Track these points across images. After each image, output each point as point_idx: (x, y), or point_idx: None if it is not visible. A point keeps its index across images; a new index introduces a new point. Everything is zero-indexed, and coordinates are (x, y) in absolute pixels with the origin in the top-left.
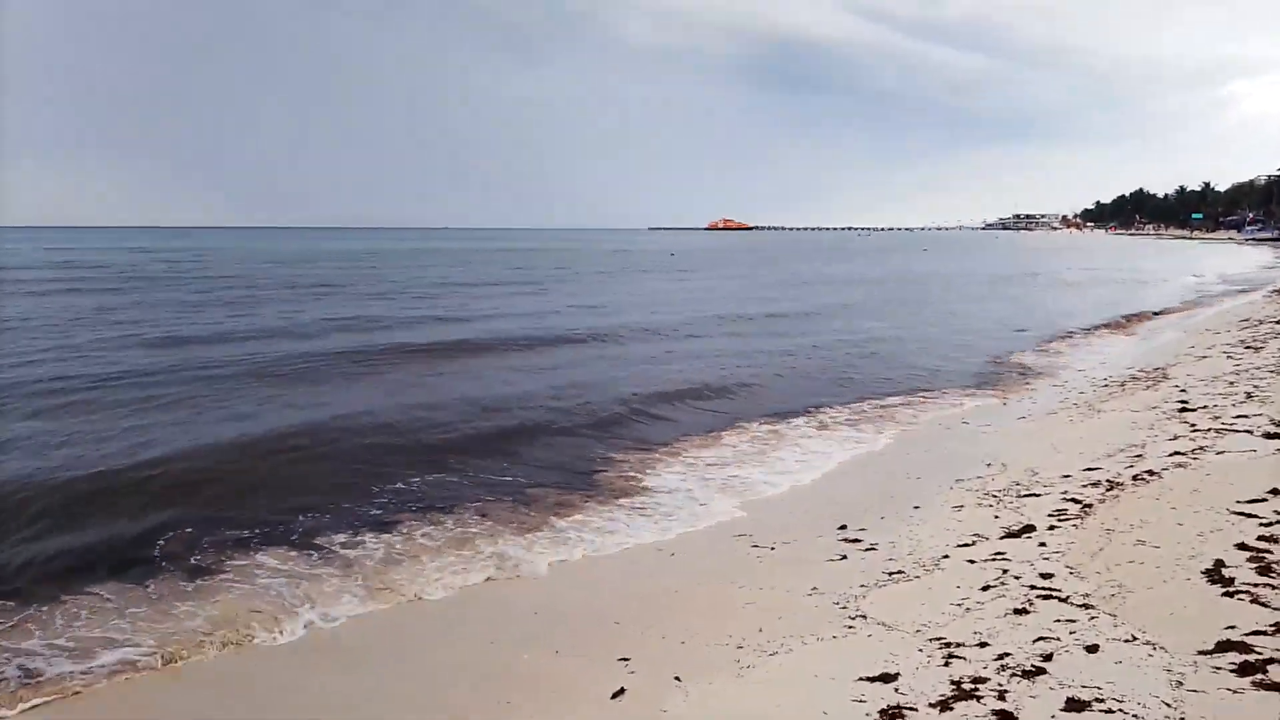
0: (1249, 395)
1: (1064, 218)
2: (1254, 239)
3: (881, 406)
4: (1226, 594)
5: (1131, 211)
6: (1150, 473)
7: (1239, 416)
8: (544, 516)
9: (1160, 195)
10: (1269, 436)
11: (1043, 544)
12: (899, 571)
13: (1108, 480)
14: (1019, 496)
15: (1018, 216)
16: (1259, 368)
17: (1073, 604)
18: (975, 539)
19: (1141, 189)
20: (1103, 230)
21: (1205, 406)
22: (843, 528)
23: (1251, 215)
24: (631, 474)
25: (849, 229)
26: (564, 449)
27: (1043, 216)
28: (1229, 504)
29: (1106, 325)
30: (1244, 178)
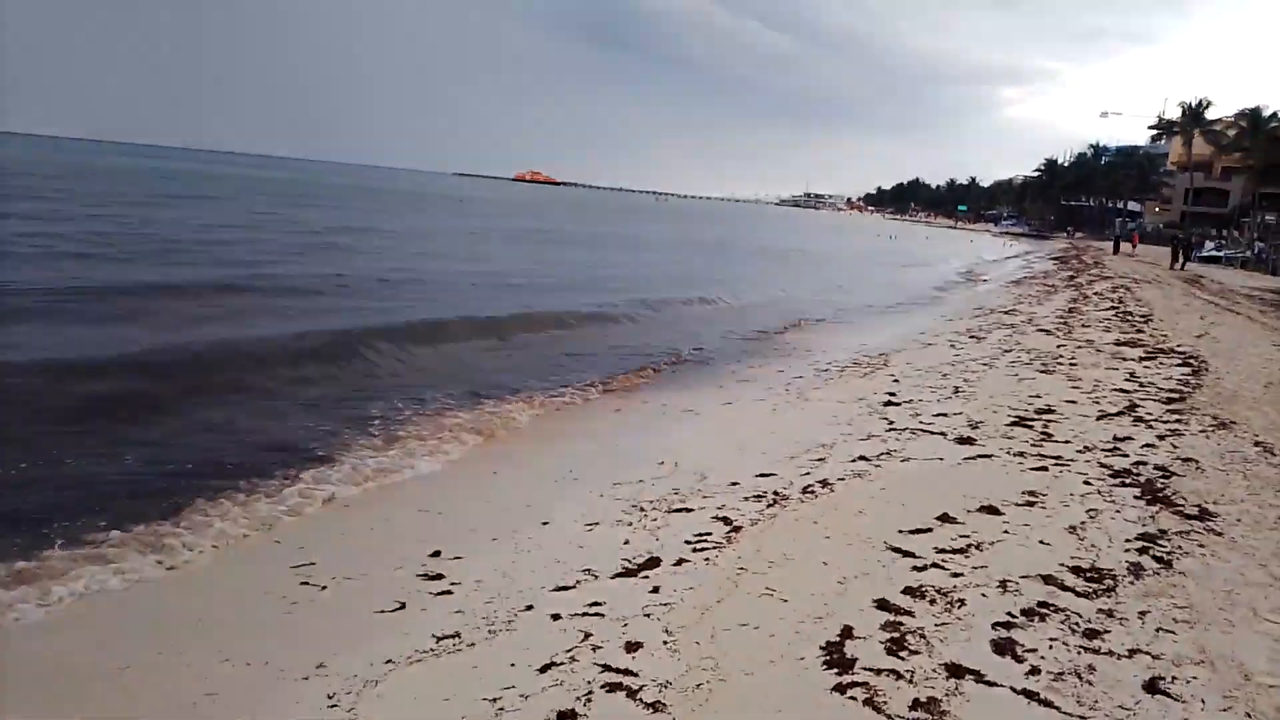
0: (956, 390)
1: (849, 200)
2: (1007, 232)
3: (603, 383)
4: (838, 688)
5: (908, 198)
6: (824, 483)
7: (939, 415)
8: None
9: (933, 185)
10: (960, 441)
11: (656, 589)
12: (449, 636)
13: (774, 492)
14: (668, 511)
15: (809, 195)
16: (975, 359)
17: (642, 702)
18: (583, 578)
19: (918, 178)
20: (880, 214)
21: (910, 401)
22: (435, 554)
23: (1007, 211)
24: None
25: (656, 194)
26: None
27: (830, 197)
28: (892, 531)
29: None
30: (1004, 175)
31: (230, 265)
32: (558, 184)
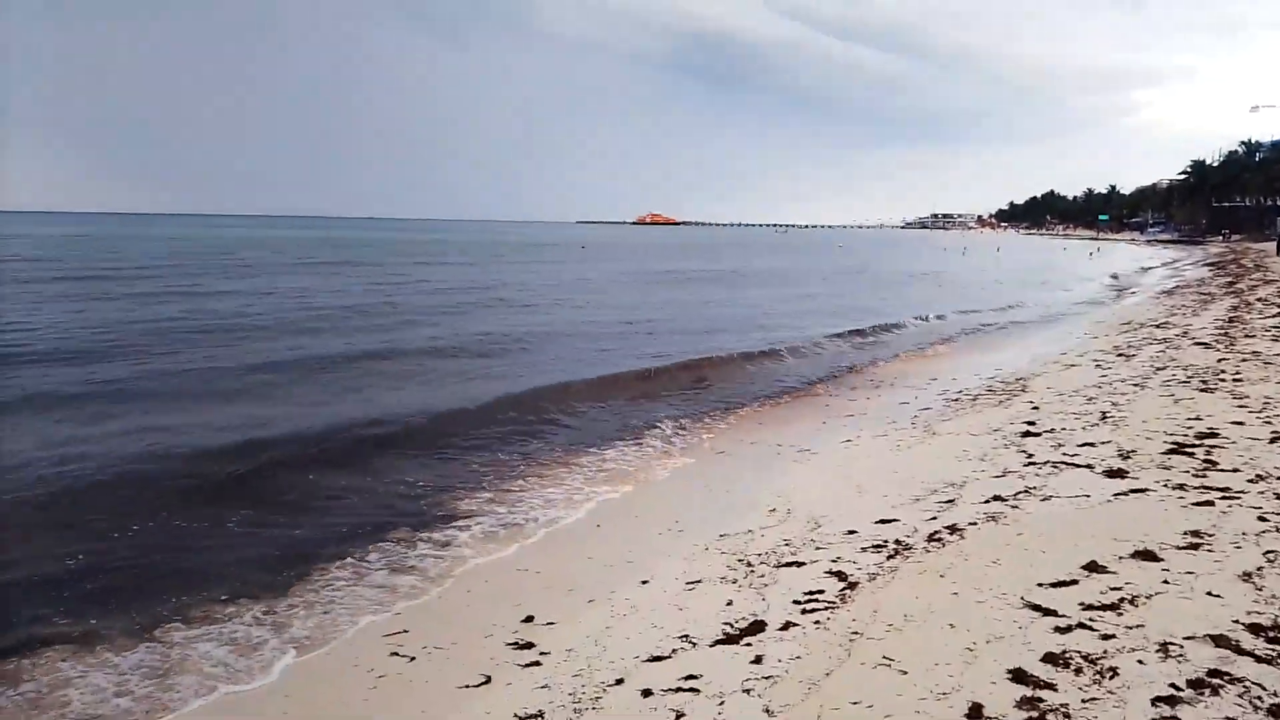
0: (1104, 416)
1: (979, 217)
2: (1155, 240)
3: (698, 419)
4: None
5: (1043, 211)
6: (952, 529)
7: (1085, 445)
8: None
9: (1070, 197)
10: (1110, 475)
11: (759, 658)
12: (532, 716)
13: (895, 541)
14: (776, 566)
15: (936, 216)
16: (1125, 380)
17: None
18: (679, 645)
19: (1053, 190)
20: (1015, 230)
21: (1052, 430)
22: (528, 619)
23: (1152, 218)
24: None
25: (776, 226)
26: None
27: (959, 216)
28: (1030, 585)
29: (992, 326)
30: (1146, 181)
31: (398, 330)
32: (677, 224)
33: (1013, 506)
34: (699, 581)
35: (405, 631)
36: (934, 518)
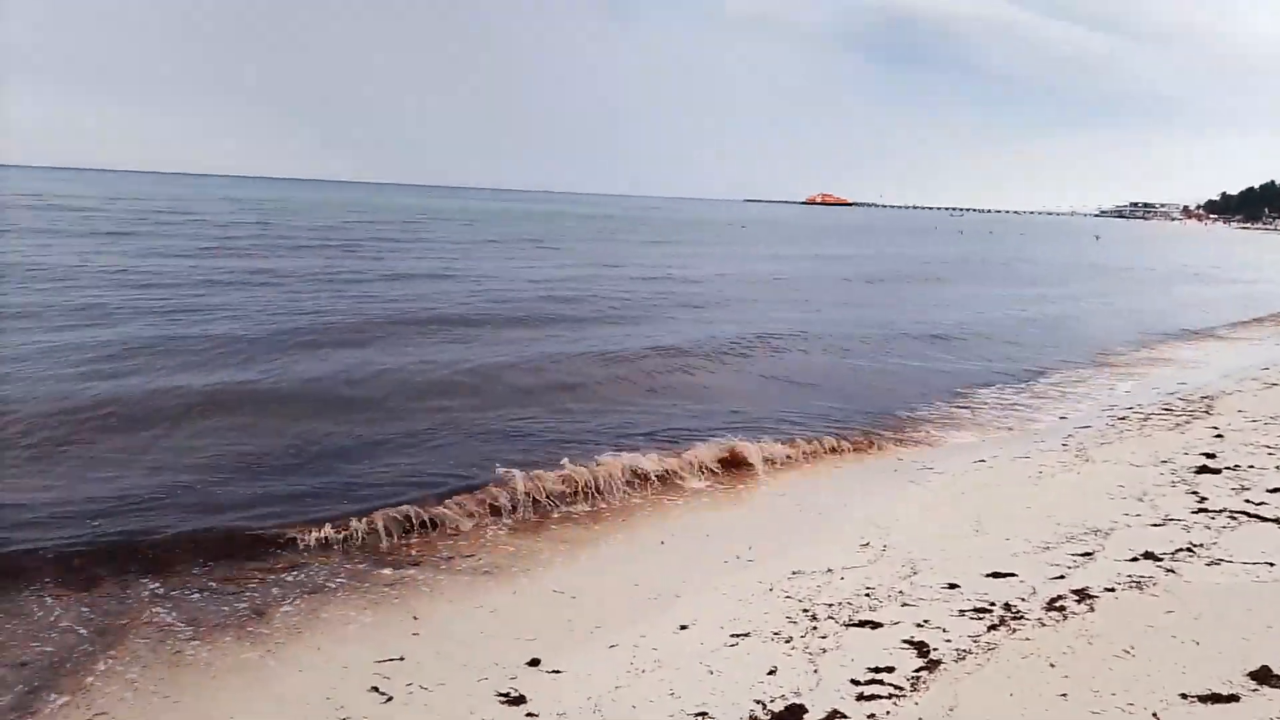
0: None
1: (1185, 208)
2: None
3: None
4: None
5: (1260, 204)
6: (1081, 596)
7: (1275, 490)
8: None
9: None
10: None
11: None
12: None
13: (1005, 605)
14: (846, 624)
15: (1134, 205)
16: None
17: None
18: None
19: (1274, 181)
20: (1227, 224)
21: (1236, 467)
22: (534, 663)
23: None
24: None
25: (951, 210)
26: None
27: (1162, 206)
28: (1170, 696)
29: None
30: None
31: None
32: (849, 204)
33: (1167, 570)
34: (746, 635)
35: (400, 659)
36: (1061, 576)
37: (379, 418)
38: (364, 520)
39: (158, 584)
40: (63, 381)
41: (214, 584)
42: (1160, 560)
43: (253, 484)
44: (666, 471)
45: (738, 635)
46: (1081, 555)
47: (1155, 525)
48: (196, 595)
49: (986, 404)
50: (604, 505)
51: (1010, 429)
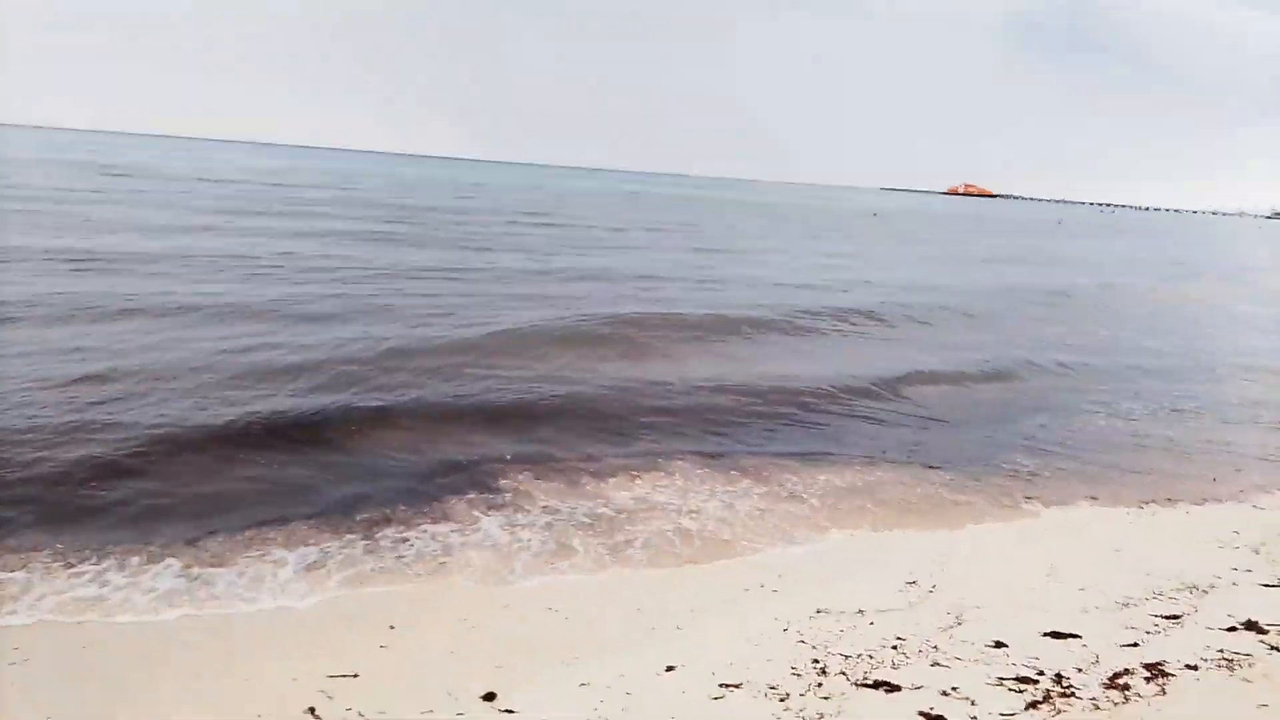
0: None
1: None
2: None
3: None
4: None
5: None
6: (1156, 672)
7: None
8: None
9: None
10: None
11: None
12: None
13: (1056, 677)
14: (859, 682)
15: None
16: None
17: None
18: None
19: None
20: None
21: None
22: (489, 697)
23: None
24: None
25: (1102, 205)
26: None
27: None
28: None
29: None
30: None
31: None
32: (993, 196)
33: (1271, 647)
34: (738, 686)
35: (355, 676)
36: (1135, 643)
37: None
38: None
39: None
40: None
41: None
42: (1265, 633)
43: None
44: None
45: (727, 685)
46: (1167, 619)
47: (1268, 586)
48: None
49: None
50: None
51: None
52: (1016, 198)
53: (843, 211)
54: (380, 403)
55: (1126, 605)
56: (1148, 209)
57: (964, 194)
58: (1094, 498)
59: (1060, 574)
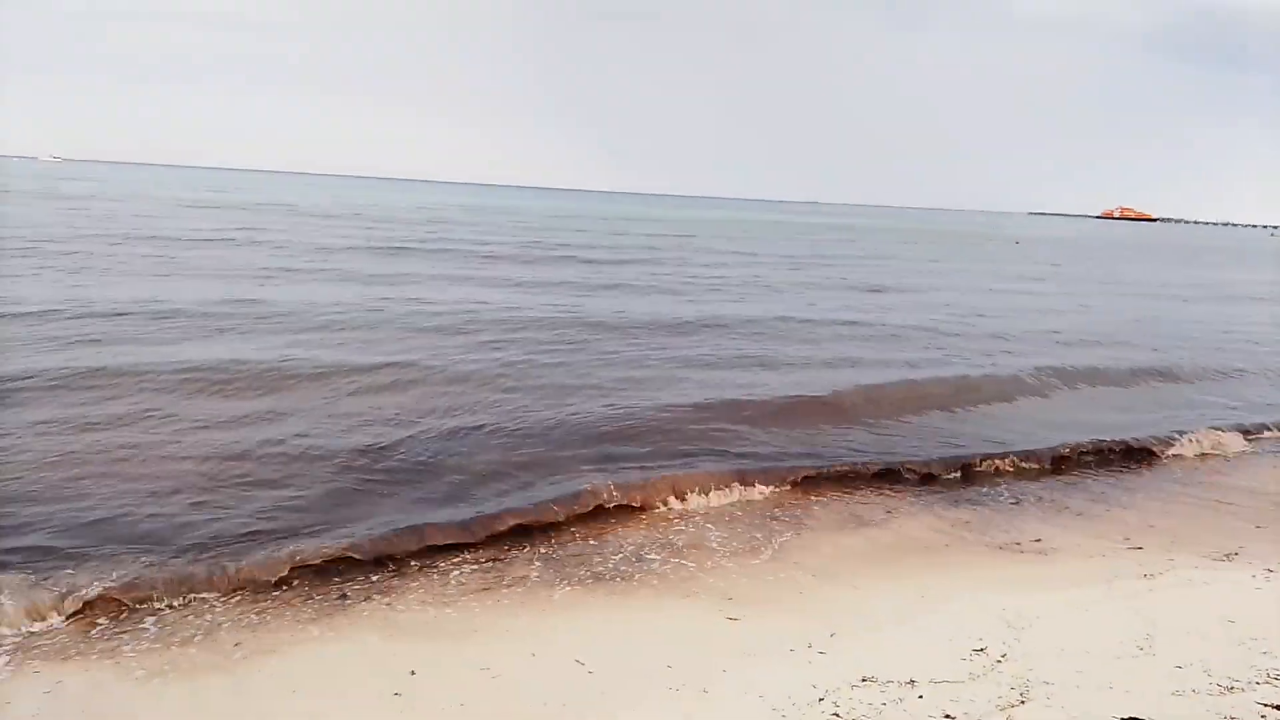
0: None
1: None
2: None
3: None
4: None
5: None
6: None
7: None
8: None
9: None
10: None
11: None
12: None
13: None
14: None
15: None
16: None
17: None
18: None
19: None
20: None
21: None
22: None
23: None
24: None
25: (1270, 228)
26: None
27: None
28: None
29: None
30: None
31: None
32: (1152, 220)
33: None
34: None
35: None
36: None
37: None
38: None
39: None
40: None
41: None
42: None
43: None
44: None
45: None
46: (1275, 709)
47: None
48: None
49: None
50: None
51: None
52: (1179, 220)
53: (1046, 240)
54: None
55: (1231, 689)
56: None
57: (1120, 218)
58: (1229, 555)
59: (1155, 647)
